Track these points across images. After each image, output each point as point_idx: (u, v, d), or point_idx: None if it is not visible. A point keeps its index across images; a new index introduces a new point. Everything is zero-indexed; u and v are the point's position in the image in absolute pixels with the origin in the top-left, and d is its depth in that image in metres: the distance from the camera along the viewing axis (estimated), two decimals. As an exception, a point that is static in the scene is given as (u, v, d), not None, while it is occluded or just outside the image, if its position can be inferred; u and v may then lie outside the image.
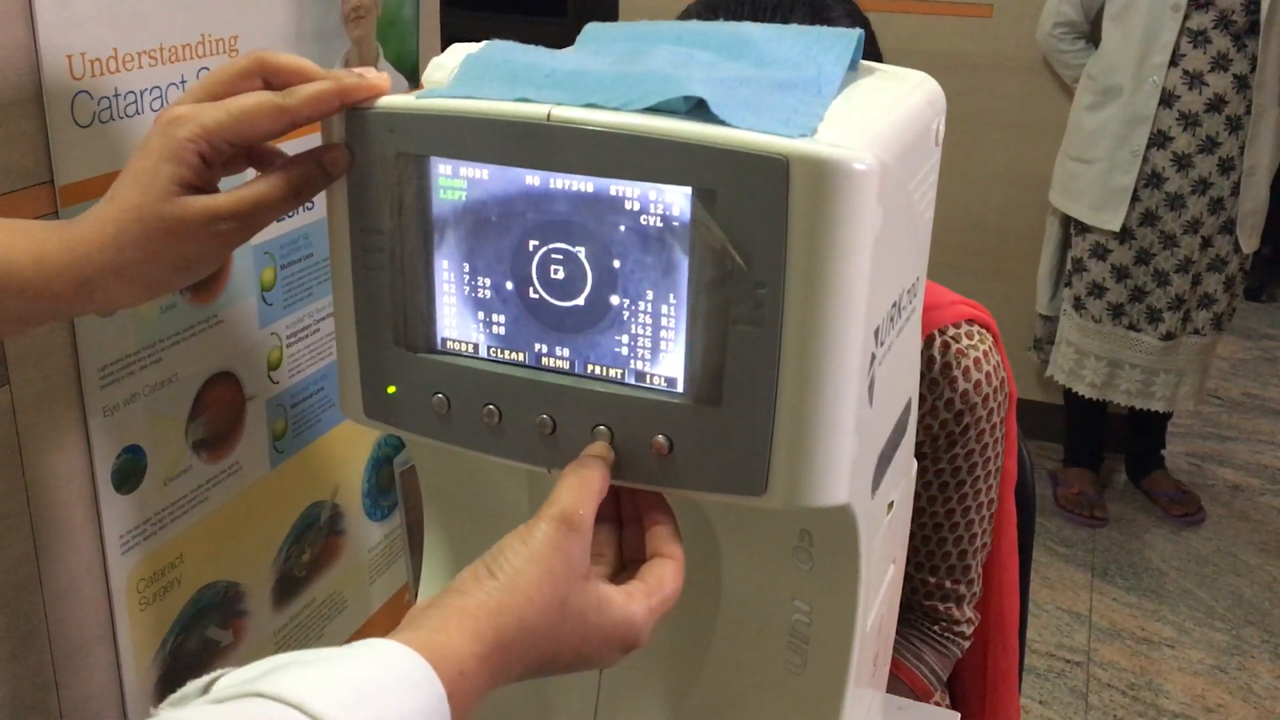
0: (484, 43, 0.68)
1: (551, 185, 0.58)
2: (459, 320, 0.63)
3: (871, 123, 0.63)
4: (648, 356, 0.60)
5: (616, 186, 0.57)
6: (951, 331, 1.10)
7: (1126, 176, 2.68)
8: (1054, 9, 2.81)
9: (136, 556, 1.36)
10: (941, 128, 0.76)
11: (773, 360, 0.57)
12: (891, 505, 0.77)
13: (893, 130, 0.65)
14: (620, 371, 0.60)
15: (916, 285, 0.72)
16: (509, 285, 0.61)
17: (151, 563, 1.39)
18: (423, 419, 0.64)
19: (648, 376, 0.60)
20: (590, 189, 0.58)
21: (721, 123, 0.56)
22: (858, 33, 0.72)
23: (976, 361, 1.10)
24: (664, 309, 0.59)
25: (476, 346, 0.63)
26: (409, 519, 1.09)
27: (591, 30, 0.75)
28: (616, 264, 0.59)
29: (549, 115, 0.57)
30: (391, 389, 0.65)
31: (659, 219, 0.57)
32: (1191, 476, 3.09)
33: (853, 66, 0.74)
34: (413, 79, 1.73)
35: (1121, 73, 2.65)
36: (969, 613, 1.18)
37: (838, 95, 0.64)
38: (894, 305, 0.65)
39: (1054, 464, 3.10)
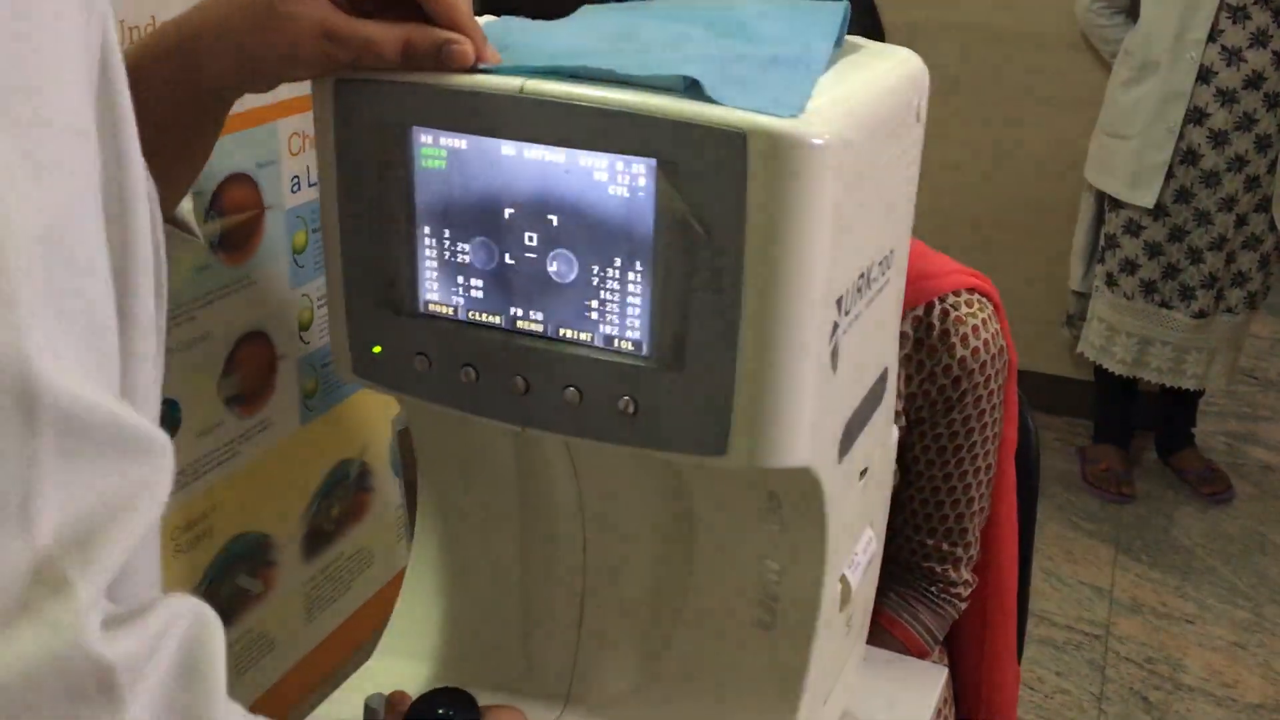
0: (486, 18, 0.71)
1: (525, 155, 0.61)
2: (440, 284, 0.66)
3: (844, 99, 0.65)
4: (615, 321, 0.62)
5: (585, 158, 0.60)
6: (950, 300, 1.12)
7: (1161, 153, 2.66)
8: (1094, -18, 2.78)
9: (170, 505, 1.41)
10: (924, 105, 0.78)
11: (733, 326, 0.59)
12: (865, 472, 0.79)
13: (866, 107, 0.67)
14: (590, 335, 0.63)
15: (891, 257, 0.74)
16: (486, 251, 0.64)
17: (185, 512, 1.44)
18: (406, 378, 0.68)
19: (615, 340, 0.63)
20: (562, 159, 0.60)
21: (710, 100, 0.58)
22: (843, 8, 0.74)
23: (974, 329, 1.12)
24: (631, 276, 0.61)
25: (456, 309, 0.66)
26: (406, 477, 1.13)
27: (587, 8, 0.77)
28: (587, 232, 0.61)
29: (522, 88, 0.59)
30: (377, 349, 0.68)
31: (626, 189, 0.60)
32: (1223, 456, 3.08)
33: (838, 43, 0.76)
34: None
35: (1159, 48, 2.63)
36: (966, 575, 1.20)
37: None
38: (862, 276, 0.68)
39: (1084, 440, 3.09)
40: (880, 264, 0.72)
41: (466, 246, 0.64)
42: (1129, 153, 2.71)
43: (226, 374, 1.14)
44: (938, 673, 1.03)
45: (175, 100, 0.63)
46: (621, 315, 0.62)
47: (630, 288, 0.61)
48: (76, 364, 0.38)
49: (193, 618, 0.43)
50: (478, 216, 0.63)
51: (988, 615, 1.28)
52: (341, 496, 1.35)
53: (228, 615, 1.58)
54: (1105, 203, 2.82)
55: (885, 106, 0.70)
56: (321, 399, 1.27)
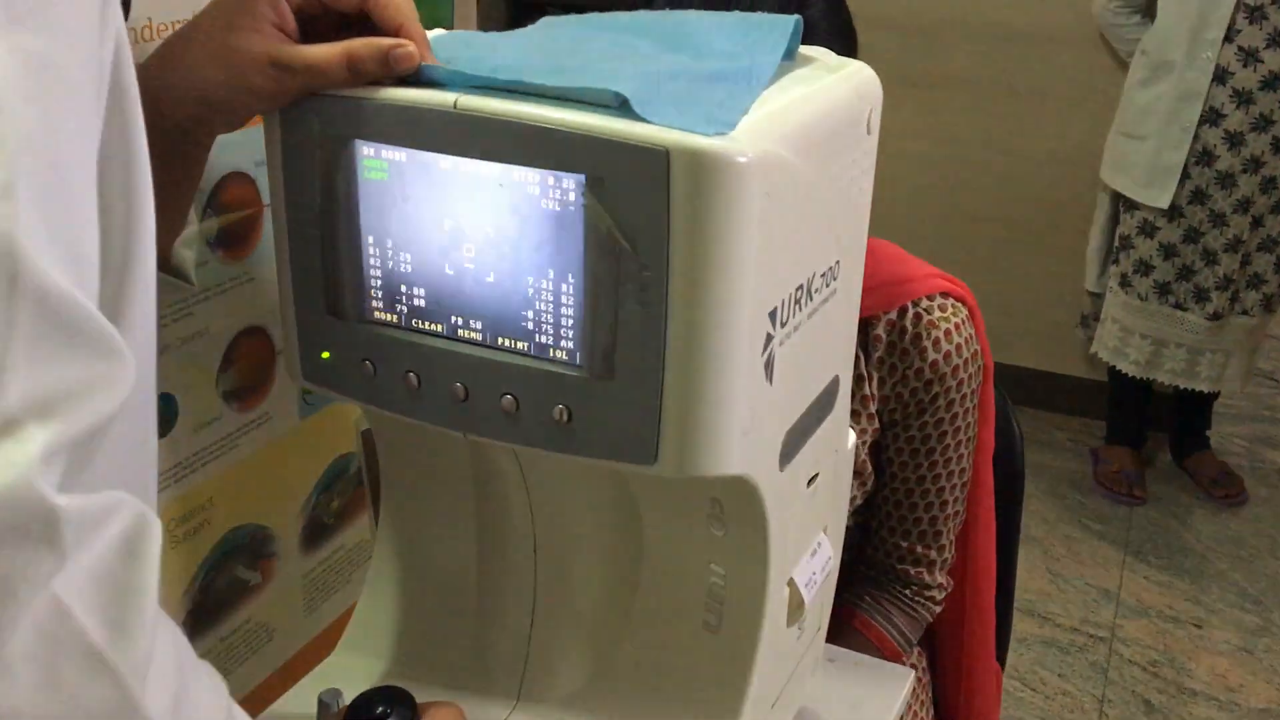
0: (437, 31, 0.72)
1: (461, 169, 0.63)
2: (384, 292, 0.67)
3: (781, 114, 0.66)
4: (550, 331, 0.64)
5: (518, 172, 0.61)
6: (924, 304, 1.13)
7: (1177, 153, 2.64)
8: (1112, -19, 2.77)
9: (167, 498, 1.44)
10: (876, 116, 0.79)
11: (659, 338, 0.61)
12: (814, 479, 0.80)
13: (804, 122, 0.68)
14: (526, 344, 0.65)
15: (837, 268, 0.75)
16: (428, 261, 0.66)
17: (182, 504, 1.47)
18: (352, 383, 0.69)
19: (550, 350, 0.64)
20: (496, 173, 0.62)
21: (638, 118, 0.59)
22: (794, 19, 0.75)
23: (947, 333, 1.13)
24: (564, 288, 0.63)
25: (400, 317, 0.67)
26: (369, 476, 1.15)
27: (547, 20, 0.79)
28: (522, 244, 0.63)
29: (455, 103, 0.61)
30: (325, 354, 0.70)
31: (557, 204, 0.61)
32: (1240, 459, 3.06)
33: (789, 55, 0.77)
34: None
35: (1175, 48, 2.61)
36: (940, 578, 1.21)
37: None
38: (800, 289, 0.69)
39: (1097, 441, 3.08)
40: (823, 275, 0.73)
41: (408, 256, 0.66)
42: (1144, 153, 2.70)
43: (224, 369, 1.16)
44: (903, 674, 1.04)
45: None
46: (555, 326, 0.64)
47: (563, 299, 0.63)
48: (59, 265, 0.41)
49: (140, 512, 0.46)
50: (418, 227, 0.65)
51: (965, 617, 1.29)
52: (341, 490, 1.38)
53: (227, 605, 1.62)
54: (1120, 203, 2.81)
55: (828, 120, 0.71)
56: (320, 394, 1.29)
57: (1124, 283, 2.81)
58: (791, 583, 0.80)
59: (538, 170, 0.61)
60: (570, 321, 0.63)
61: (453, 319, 0.66)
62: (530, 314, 0.64)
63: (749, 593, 0.76)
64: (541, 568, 0.80)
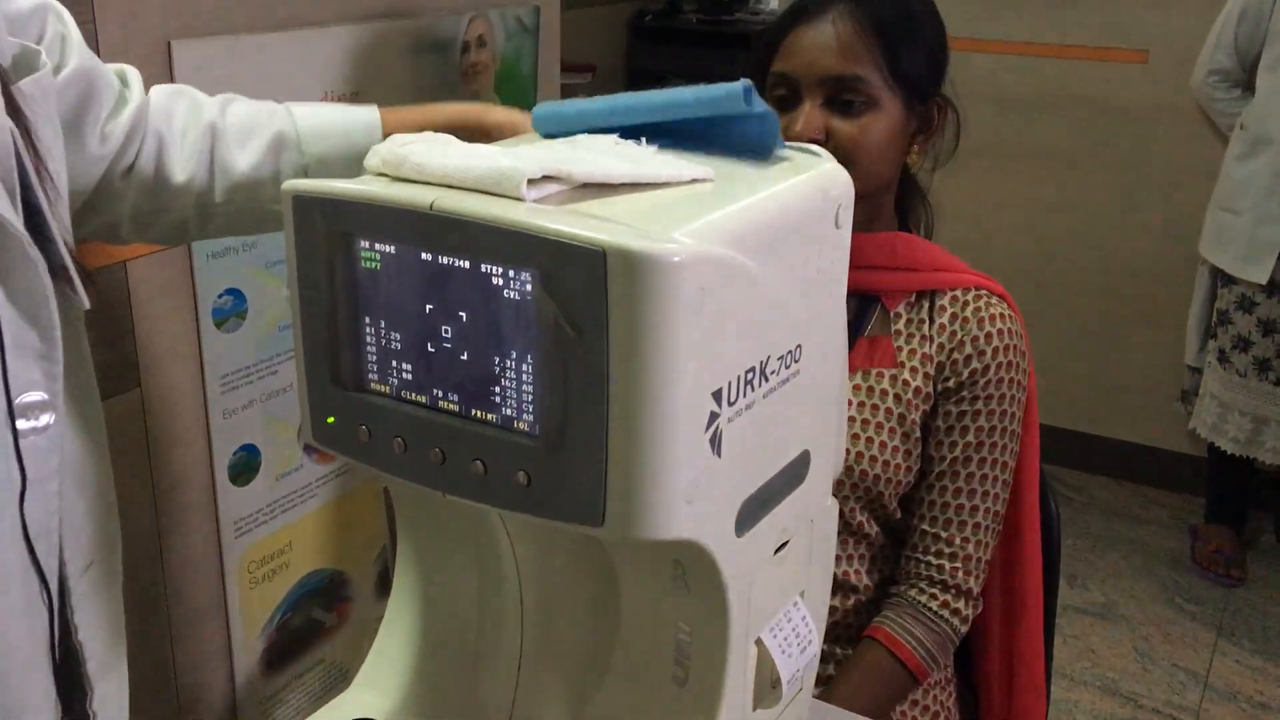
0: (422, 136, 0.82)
1: (439, 261, 0.71)
2: (378, 366, 0.77)
3: (737, 214, 0.74)
4: (514, 404, 0.72)
5: (484, 266, 0.70)
6: (987, 293, 1.29)
7: (1275, 229, 2.61)
8: (1210, 56, 2.76)
9: (249, 541, 1.57)
10: (845, 211, 0.85)
11: (602, 415, 0.68)
12: (784, 546, 0.86)
13: (762, 220, 0.75)
14: (494, 416, 0.73)
15: (799, 352, 0.81)
16: (414, 340, 0.75)
17: (262, 547, 1.59)
18: (352, 445, 0.79)
19: (513, 421, 0.72)
20: (467, 266, 0.71)
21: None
22: (771, 117, 0.84)
23: (1002, 316, 1.27)
24: (524, 366, 0.71)
25: (391, 388, 0.76)
26: (389, 528, 1.24)
27: (540, 111, 0.88)
28: (488, 328, 0.71)
29: (431, 205, 0.70)
30: (330, 419, 0.79)
31: (517, 294, 0.69)
32: (1348, 542, 2.97)
33: (764, 155, 0.85)
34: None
35: (1273, 123, 2.59)
36: (972, 584, 1.27)
37: (722, 185, 0.75)
38: (751, 371, 0.76)
39: (1197, 518, 3.02)
40: (782, 359, 0.79)
41: (398, 335, 0.75)
42: (1242, 228, 2.67)
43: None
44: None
45: None
46: (518, 400, 0.72)
47: (524, 377, 0.71)
48: None
49: None
50: (405, 311, 0.74)
51: (1014, 651, 1.35)
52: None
53: (303, 645, 1.73)
54: (1219, 278, 2.78)
55: (786, 219, 0.78)
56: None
57: (1222, 358, 2.78)
58: (760, 643, 0.86)
59: (499, 265, 0.69)
60: (530, 396, 0.71)
61: (434, 391, 0.75)
62: (497, 389, 0.72)
63: (712, 651, 0.82)
64: (528, 617, 0.88)
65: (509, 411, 0.72)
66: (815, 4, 1.26)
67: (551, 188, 0.73)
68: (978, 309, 1.28)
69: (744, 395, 0.75)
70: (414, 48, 1.54)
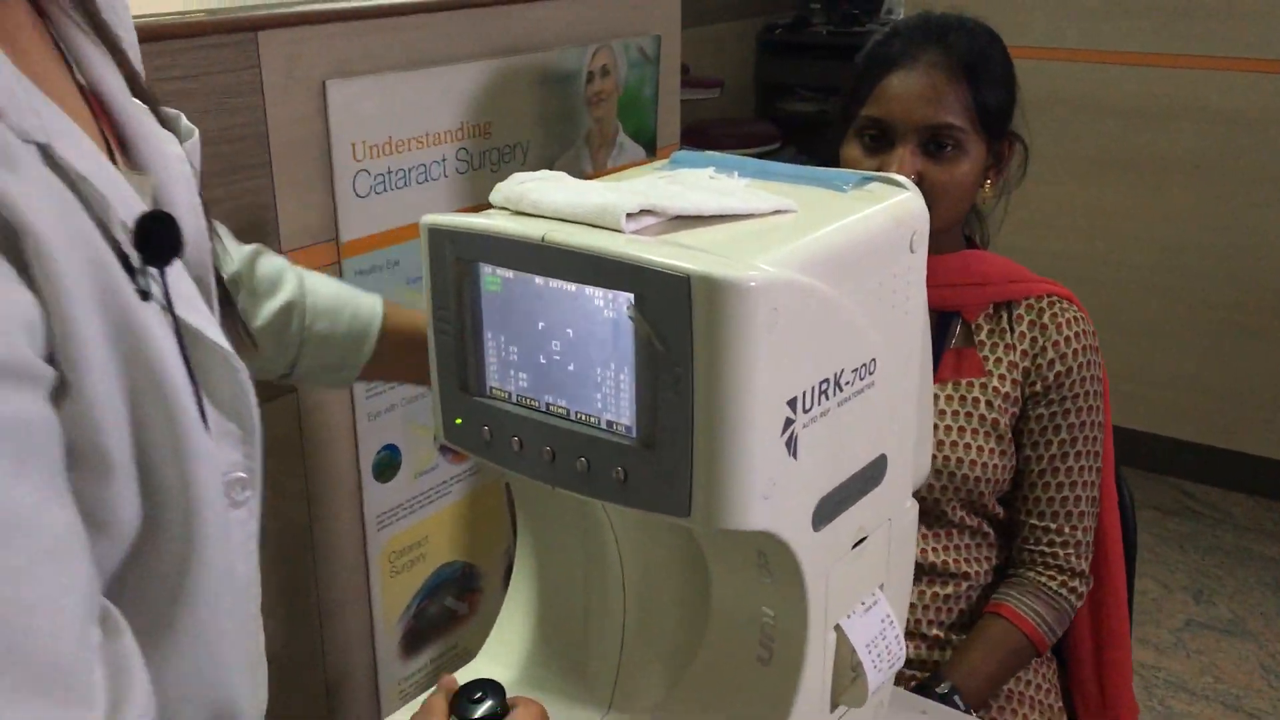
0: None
1: (550, 285, 0.83)
2: (498, 375, 0.88)
3: (813, 243, 0.83)
4: (613, 409, 0.83)
5: (588, 290, 0.81)
6: (1060, 299, 1.38)
7: None
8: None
9: (389, 534, 1.71)
10: (919, 238, 0.94)
11: (688, 419, 0.78)
12: (862, 542, 0.95)
13: (836, 247, 0.85)
14: (596, 419, 0.84)
15: (874, 365, 0.90)
16: (529, 353, 0.86)
17: (402, 539, 1.73)
18: (477, 444, 0.90)
19: (613, 424, 0.83)
20: (573, 289, 0.82)
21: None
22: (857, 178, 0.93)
23: (1077, 319, 1.37)
24: (622, 377, 0.81)
25: (509, 394, 0.88)
26: (511, 519, 1.35)
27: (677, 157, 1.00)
28: (591, 343, 0.82)
29: (543, 238, 0.81)
30: (459, 420, 0.91)
31: (614, 313, 0.80)
32: None
33: (840, 186, 0.94)
34: (650, 150, 2.00)
35: None
36: (1081, 564, 1.37)
37: (804, 214, 0.85)
38: (825, 382, 0.85)
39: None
40: (856, 371, 0.88)
41: (515, 349, 0.87)
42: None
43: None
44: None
45: None
46: (616, 405, 0.82)
47: (622, 385, 0.82)
48: None
49: None
50: (522, 327, 0.85)
51: (1103, 629, 1.46)
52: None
53: (437, 631, 1.87)
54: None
55: (861, 245, 0.87)
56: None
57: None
58: (839, 629, 0.95)
59: (601, 289, 0.80)
60: (626, 402, 0.82)
61: (545, 398, 0.86)
62: (599, 396, 0.83)
63: (793, 634, 0.91)
64: (630, 600, 0.98)
65: (609, 415, 0.83)
66: (906, 52, 1.34)
67: (648, 220, 0.84)
68: (1055, 314, 1.37)
69: (819, 404, 0.85)
70: (541, 79, 1.66)
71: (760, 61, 4.88)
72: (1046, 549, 1.38)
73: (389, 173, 1.43)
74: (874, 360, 0.91)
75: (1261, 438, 3.15)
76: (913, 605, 1.37)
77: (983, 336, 1.38)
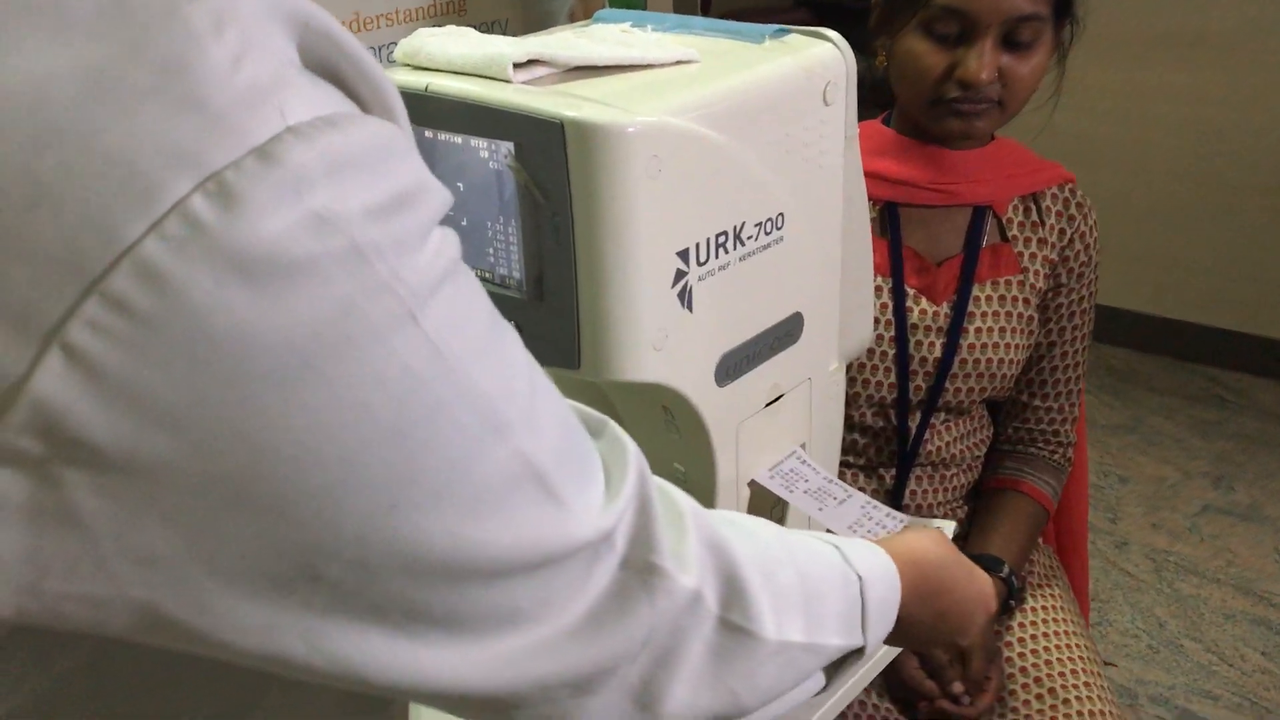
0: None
1: (439, 138, 0.82)
2: (399, 232, 0.88)
3: (707, 91, 0.81)
4: (505, 263, 0.82)
5: (473, 140, 0.80)
6: (1062, 192, 1.35)
7: None
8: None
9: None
10: (834, 88, 0.91)
11: (571, 270, 0.78)
12: (778, 399, 0.94)
13: (734, 96, 0.83)
14: (490, 274, 0.83)
15: (781, 220, 0.89)
16: (426, 209, 0.85)
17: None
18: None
19: (505, 279, 0.83)
20: (459, 141, 0.81)
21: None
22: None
23: (1087, 211, 1.36)
24: (510, 230, 0.81)
25: (410, 252, 0.88)
26: None
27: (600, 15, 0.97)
28: (479, 196, 0.81)
29: (426, 87, 0.80)
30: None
31: (498, 164, 0.79)
32: None
33: (757, 38, 0.92)
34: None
35: None
36: (1073, 435, 1.42)
37: (707, 65, 0.84)
38: (723, 234, 0.84)
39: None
40: (760, 225, 0.87)
41: (413, 205, 0.86)
42: None
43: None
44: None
45: None
46: (507, 259, 0.82)
47: (510, 238, 0.81)
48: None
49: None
50: (417, 183, 0.85)
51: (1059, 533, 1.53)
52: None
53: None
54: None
55: (764, 96, 0.85)
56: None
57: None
58: (753, 484, 0.95)
59: (484, 138, 0.79)
60: (515, 255, 0.81)
61: (443, 254, 0.86)
62: (491, 250, 0.83)
63: (704, 489, 0.92)
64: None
65: (501, 270, 0.83)
66: None
67: (540, 71, 0.82)
68: (1079, 204, 1.34)
69: (716, 256, 0.84)
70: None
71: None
72: (1048, 426, 1.40)
73: (352, 49, 1.42)
74: (781, 215, 0.89)
75: (1291, 323, 3.08)
76: (936, 497, 1.38)
77: (1014, 231, 1.32)
